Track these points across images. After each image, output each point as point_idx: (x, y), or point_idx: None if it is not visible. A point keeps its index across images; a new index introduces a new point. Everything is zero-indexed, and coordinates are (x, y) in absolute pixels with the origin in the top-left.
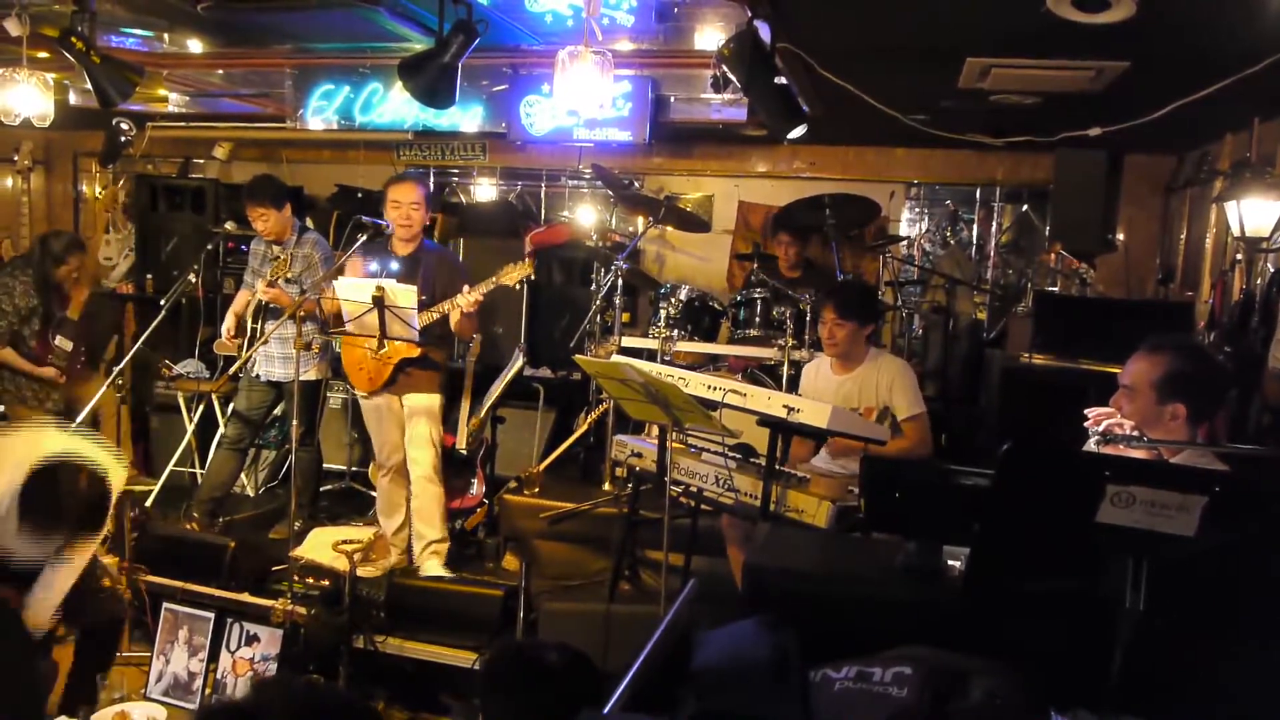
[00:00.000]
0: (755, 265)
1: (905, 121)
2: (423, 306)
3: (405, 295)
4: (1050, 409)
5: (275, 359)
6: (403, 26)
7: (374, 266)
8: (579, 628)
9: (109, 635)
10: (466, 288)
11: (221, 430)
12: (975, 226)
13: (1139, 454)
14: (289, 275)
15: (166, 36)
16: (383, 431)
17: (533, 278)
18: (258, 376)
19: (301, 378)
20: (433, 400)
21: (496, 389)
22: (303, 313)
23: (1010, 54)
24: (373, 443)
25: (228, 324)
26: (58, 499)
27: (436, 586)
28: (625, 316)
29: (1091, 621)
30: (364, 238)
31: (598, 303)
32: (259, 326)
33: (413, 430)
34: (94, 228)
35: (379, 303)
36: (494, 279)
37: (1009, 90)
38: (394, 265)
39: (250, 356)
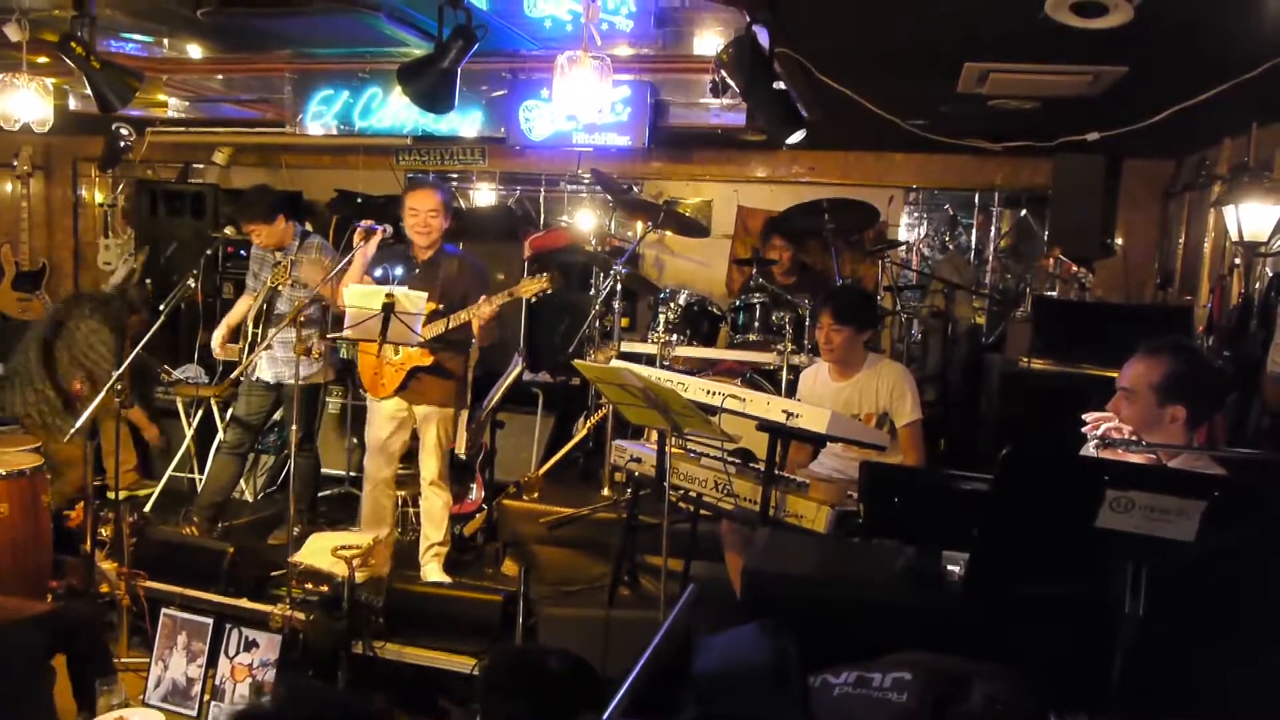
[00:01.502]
0: (754, 270)
1: (904, 126)
2: (442, 313)
3: (413, 302)
4: (1049, 414)
5: (279, 361)
6: (402, 32)
7: (378, 273)
8: (578, 633)
9: (92, 638)
10: (485, 297)
11: (220, 435)
12: (974, 231)
13: (1137, 458)
14: (290, 281)
15: (166, 42)
16: (383, 439)
17: (549, 291)
18: (258, 379)
19: (301, 380)
20: (446, 413)
21: (496, 394)
22: (302, 318)
23: (1008, 59)
24: (368, 449)
25: (219, 333)
26: None
27: (435, 592)
28: (624, 321)
29: (1091, 626)
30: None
31: (597, 308)
32: (259, 332)
33: (424, 438)
34: (93, 233)
35: (389, 309)
36: (510, 291)
37: (1007, 95)
38: (400, 270)
39: (252, 362)
